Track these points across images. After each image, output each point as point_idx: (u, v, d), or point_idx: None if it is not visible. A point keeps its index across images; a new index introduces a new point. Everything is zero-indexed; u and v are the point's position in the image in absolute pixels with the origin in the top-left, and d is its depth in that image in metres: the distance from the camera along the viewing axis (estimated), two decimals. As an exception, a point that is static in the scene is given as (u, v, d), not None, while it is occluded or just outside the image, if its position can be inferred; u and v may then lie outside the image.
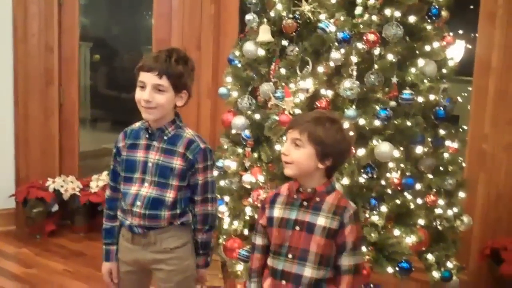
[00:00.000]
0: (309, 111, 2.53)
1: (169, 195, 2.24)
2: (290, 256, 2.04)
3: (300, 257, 2.02)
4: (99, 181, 4.54)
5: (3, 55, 4.43)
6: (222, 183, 3.17)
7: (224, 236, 3.09)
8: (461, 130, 3.14)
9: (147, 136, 2.28)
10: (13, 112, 4.51)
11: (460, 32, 4.22)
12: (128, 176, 2.30)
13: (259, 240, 2.18)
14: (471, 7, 4.04)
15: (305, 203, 2.05)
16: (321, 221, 2.01)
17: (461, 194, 3.09)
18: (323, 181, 2.06)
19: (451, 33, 3.05)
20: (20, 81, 4.51)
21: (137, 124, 2.36)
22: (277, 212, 2.09)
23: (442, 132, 2.97)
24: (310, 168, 2.02)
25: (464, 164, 3.32)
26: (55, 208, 4.50)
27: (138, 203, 2.24)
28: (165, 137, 2.26)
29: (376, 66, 2.71)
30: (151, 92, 2.17)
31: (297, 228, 2.04)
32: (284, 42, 3.01)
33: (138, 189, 2.26)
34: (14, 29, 4.44)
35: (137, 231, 2.27)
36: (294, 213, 2.05)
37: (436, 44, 2.86)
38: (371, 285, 2.78)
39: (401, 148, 2.79)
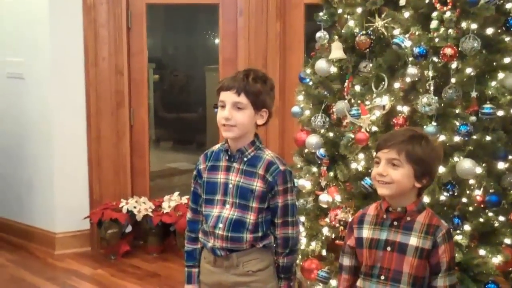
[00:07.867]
0: (399, 130, 2.49)
1: (250, 217, 2.24)
2: (382, 277, 2.01)
3: (393, 278, 1.99)
4: (171, 201, 4.56)
5: (75, 78, 4.54)
6: (296, 202, 3.15)
7: (301, 257, 3.07)
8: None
9: (227, 157, 2.30)
10: (86, 134, 4.61)
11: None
12: (209, 198, 2.31)
13: (346, 261, 2.15)
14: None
15: (395, 223, 2.01)
16: (413, 241, 1.97)
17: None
18: (414, 200, 2.02)
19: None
20: (92, 104, 4.60)
21: (216, 146, 2.38)
22: (366, 232, 2.06)
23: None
24: (407, 188, 1.99)
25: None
26: (129, 229, 4.54)
27: (220, 225, 2.25)
28: (245, 159, 2.28)
29: (453, 80, 2.66)
30: (230, 110, 2.20)
31: (389, 248, 2.01)
32: (357, 59, 2.98)
33: (220, 211, 2.27)
34: (85, 53, 4.55)
35: (219, 254, 2.27)
36: (385, 234, 2.03)
37: (515, 56, 2.78)
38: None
39: (483, 164, 2.71)
